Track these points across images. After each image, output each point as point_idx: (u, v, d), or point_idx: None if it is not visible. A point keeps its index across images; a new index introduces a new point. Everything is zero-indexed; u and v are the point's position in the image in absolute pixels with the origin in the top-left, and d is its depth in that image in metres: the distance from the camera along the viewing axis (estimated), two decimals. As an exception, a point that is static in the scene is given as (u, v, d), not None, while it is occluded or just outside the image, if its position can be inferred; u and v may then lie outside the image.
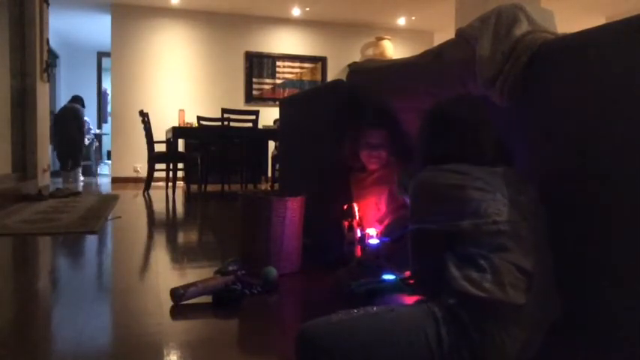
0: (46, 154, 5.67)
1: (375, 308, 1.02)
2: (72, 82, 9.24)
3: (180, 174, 5.94)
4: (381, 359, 0.95)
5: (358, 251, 1.88)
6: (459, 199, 1.04)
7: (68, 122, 7.22)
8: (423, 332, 0.94)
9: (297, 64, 7.86)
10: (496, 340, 0.94)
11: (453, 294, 0.96)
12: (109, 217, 3.49)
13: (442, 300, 0.98)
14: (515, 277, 0.95)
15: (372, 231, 1.85)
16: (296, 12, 7.41)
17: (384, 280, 1.59)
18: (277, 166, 5.12)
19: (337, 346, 0.96)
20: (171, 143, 5.58)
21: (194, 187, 5.88)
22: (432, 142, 1.26)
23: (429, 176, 1.15)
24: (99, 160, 9.41)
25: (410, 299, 1.43)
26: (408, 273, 1.55)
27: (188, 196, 5.54)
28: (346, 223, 1.94)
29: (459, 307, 0.95)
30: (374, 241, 1.80)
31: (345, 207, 1.98)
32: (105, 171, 9.34)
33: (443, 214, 1.06)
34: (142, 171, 6.68)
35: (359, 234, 1.91)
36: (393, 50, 7.96)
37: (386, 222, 1.85)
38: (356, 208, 1.96)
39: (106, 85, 9.07)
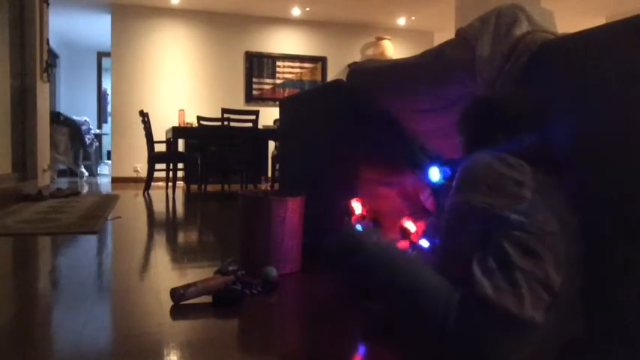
0: (46, 154, 5.67)
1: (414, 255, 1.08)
2: (72, 82, 9.24)
3: (180, 174, 5.94)
4: (397, 297, 1.05)
5: None
6: (514, 194, 1.00)
7: None
8: (442, 307, 0.98)
9: (297, 64, 7.86)
10: (501, 352, 0.93)
11: (473, 293, 0.96)
12: (109, 217, 3.49)
13: (463, 293, 0.98)
14: (538, 295, 0.93)
15: (410, 225, 1.79)
16: (296, 12, 7.41)
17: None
18: (277, 166, 5.11)
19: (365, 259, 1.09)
20: (171, 143, 5.59)
21: (194, 187, 5.88)
22: (482, 131, 1.21)
23: (486, 161, 1.08)
24: (99, 160, 9.40)
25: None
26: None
27: (188, 196, 5.54)
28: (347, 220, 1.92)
29: (475, 308, 0.95)
30: (424, 243, 1.74)
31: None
32: (105, 171, 9.33)
33: (493, 202, 1.02)
34: (142, 171, 6.68)
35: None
36: (393, 50, 7.96)
37: (424, 222, 1.82)
38: (355, 205, 1.93)
39: (106, 85, 9.07)
